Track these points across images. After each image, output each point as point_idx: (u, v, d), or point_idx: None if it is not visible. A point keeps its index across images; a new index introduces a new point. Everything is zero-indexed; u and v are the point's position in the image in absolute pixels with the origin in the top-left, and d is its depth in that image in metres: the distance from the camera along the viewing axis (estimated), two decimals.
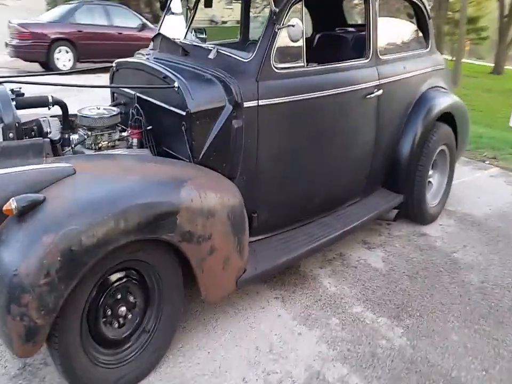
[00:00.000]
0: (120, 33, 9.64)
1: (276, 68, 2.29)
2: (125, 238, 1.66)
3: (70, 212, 1.60)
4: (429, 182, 3.46)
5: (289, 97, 2.34)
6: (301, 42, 2.33)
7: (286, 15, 2.26)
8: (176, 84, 2.16)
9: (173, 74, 2.23)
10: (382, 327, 2.37)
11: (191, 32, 2.86)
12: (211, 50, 2.40)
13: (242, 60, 2.29)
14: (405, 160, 3.06)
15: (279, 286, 2.66)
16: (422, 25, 3.23)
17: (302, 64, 2.38)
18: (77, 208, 1.62)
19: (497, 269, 2.95)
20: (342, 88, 2.53)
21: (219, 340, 2.23)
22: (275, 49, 2.26)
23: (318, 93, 2.44)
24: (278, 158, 2.41)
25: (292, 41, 2.26)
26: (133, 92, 2.48)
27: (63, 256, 1.54)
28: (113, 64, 2.72)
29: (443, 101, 3.21)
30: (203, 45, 2.46)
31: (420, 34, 3.25)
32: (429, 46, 3.26)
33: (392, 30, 2.98)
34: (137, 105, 2.42)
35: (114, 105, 2.67)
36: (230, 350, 2.17)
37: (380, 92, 2.73)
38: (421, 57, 3.18)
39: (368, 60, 2.71)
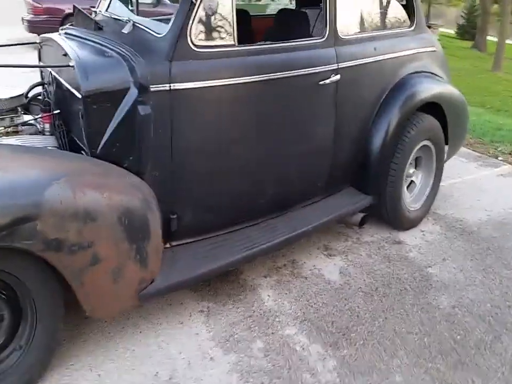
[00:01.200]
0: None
1: (196, 46, 1.91)
2: None
3: None
4: (412, 181, 3.01)
5: (213, 81, 1.97)
6: (230, 17, 1.95)
7: None
8: (72, 63, 1.84)
9: (74, 51, 1.92)
10: (312, 356, 2.01)
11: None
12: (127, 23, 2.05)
13: (156, 35, 1.93)
14: (374, 157, 2.62)
15: (210, 296, 2.34)
16: None
17: (232, 42, 1.99)
18: None
19: (476, 290, 2.50)
20: (284, 72, 2.12)
21: (117, 360, 1.94)
22: (195, 24, 1.89)
23: (253, 77, 2.05)
24: (201, 151, 2.05)
25: (207, 14, 1.88)
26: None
27: None
28: (38, 40, 2.43)
29: (427, 88, 2.73)
30: (121, 18, 2.11)
31: (403, 10, 2.75)
32: (414, 24, 2.75)
33: (361, 4, 2.51)
34: (46, 86, 2.12)
35: (37, 86, 2.39)
36: (124, 374, 1.88)
37: (338, 77, 2.30)
38: (401, 36, 2.69)
39: (323, 39, 2.27)
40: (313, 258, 2.69)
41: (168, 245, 2.14)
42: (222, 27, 1.96)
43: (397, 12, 2.72)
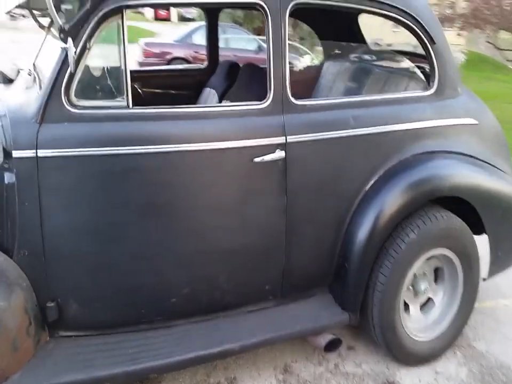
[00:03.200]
0: (235, 55, 9.65)
1: (74, 106, 1.58)
2: None
3: None
4: (429, 299, 2.18)
5: (95, 149, 1.59)
6: (120, 73, 1.59)
7: (90, 35, 1.54)
8: None
9: None
10: None
11: None
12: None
13: (36, 93, 1.65)
14: (353, 262, 1.91)
15: None
16: (425, 52, 2.00)
17: (123, 103, 1.60)
18: None
19: None
20: (195, 144, 1.64)
21: None
22: (73, 81, 1.56)
23: (151, 147, 1.62)
24: (81, 232, 1.67)
25: (88, 69, 1.53)
26: None
27: None
28: None
29: (448, 175, 1.95)
30: (30, 72, 1.87)
31: (411, 65, 2.03)
32: (435, 86, 2.00)
33: (333, 57, 1.90)
34: None
35: None
36: None
37: (282, 154, 1.72)
38: (409, 103, 1.97)
39: (266, 104, 1.72)
40: (260, 381, 2.04)
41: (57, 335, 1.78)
42: (110, 85, 1.59)
43: (401, 66, 2.01)
